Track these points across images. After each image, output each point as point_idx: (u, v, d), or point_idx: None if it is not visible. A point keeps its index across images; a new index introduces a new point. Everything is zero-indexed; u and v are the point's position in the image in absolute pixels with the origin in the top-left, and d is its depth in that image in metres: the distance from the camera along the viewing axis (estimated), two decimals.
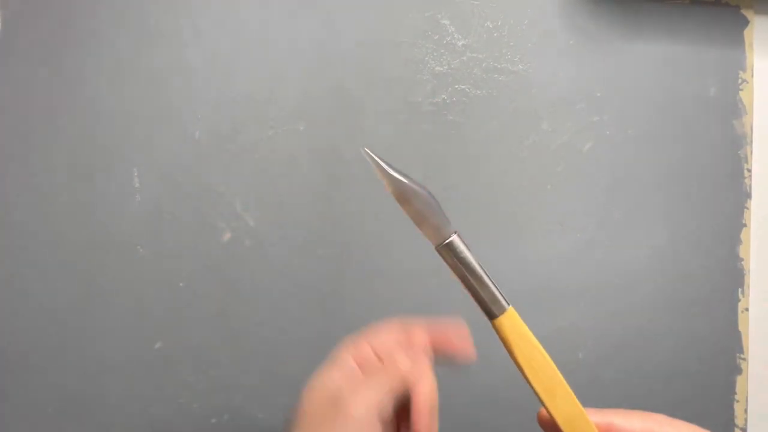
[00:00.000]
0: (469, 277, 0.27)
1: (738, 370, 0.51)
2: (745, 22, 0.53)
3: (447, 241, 0.27)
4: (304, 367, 0.49)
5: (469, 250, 0.27)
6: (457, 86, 0.51)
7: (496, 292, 0.27)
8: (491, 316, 0.27)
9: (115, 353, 0.48)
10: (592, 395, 0.50)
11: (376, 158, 0.28)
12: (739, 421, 0.51)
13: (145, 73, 0.50)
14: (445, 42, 0.51)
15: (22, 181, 0.49)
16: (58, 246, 0.49)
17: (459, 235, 0.27)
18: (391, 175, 0.28)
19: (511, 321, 0.27)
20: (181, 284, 0.49)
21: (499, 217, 0.51)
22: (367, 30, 0.51)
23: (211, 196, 0.49)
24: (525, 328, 0.28)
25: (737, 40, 0.53)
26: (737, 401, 0.51)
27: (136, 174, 0.49)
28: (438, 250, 0.27)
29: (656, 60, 0.52)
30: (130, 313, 0.49)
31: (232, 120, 0.50)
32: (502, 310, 0.27)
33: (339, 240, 0.50)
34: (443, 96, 0.51)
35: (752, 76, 0.53)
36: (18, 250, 0.49)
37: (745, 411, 0.51)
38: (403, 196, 0.28)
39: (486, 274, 0.27)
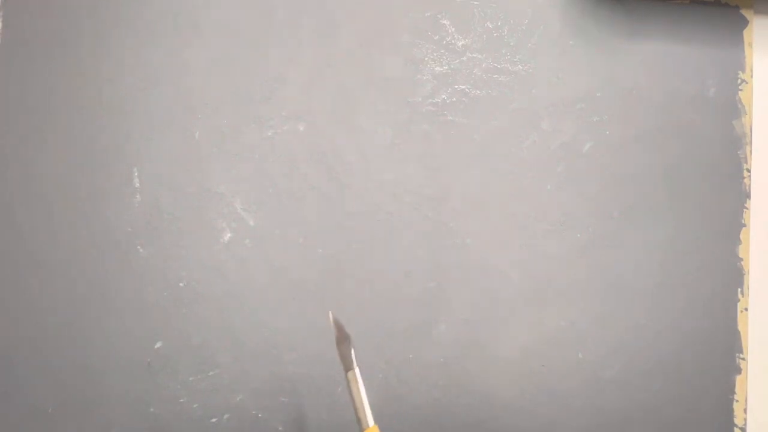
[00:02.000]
0: (355, 398, 0.41)
1: (737, 370, 0.51)
2: (745, 22, 0.53)
3: (350, 371, 0.42)
4: (304, 367, 0.49)
5: (362, 381, 0.41)
6: (457, 86, 0.51)
7: (368, 413, 0.41)
8: (360, 427, 0.41)
9: (115, 353, 0.48)
10: (592, 395, 0.50)
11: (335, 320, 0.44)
12: (738, 421, 0.51)
13: (145, 73, 0.50)
14: (445, 42, 0.52)
15: (21, 181, 0.49)
16: (58, 246, 0.49)
17: (357, 371, 0.42)
18: (340, 328, 0.43)
19: None
20: (181, 284, 0.49)
21: (499, 217, 0.51)
22: (367, 30, 0.51)
23: (211, 196, 0.49)
24: None
25: (737, 41, 0.53)
26: (736, 401, 0.51)
27: (136, 174, 0.49)
28: (346, 375, 0.42)
29: (656, 60, 0.52)
30: (130, 313, 0.49)
31: (232, 120, 0.50)
32: (367, 426, 0.40)
33: (339, 240, 0.50)
34: (443, 96, 0.51)
35: (752, 76, 0.53)
36: (18, 249, 0.49)
37: (745, 411, 0.51)
38: (339, 340, 0.43)
39: (365, 399, 0.41)
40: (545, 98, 0.52)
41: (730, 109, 0.53)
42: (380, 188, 0.50)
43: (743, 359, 0.51)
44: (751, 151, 0.53)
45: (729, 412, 0.51)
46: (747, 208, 0.52)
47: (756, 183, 0.53)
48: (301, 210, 0.50)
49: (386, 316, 0.50)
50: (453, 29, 0.52)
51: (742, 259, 0.52)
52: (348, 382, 0.41)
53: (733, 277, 0.52)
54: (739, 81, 0.53)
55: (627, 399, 0.50)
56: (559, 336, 0.50)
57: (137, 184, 0.49)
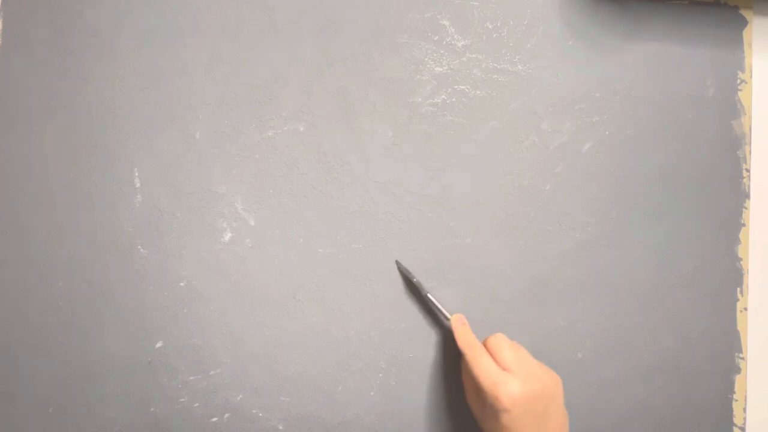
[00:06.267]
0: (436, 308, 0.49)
1: (737, 370, 0.51)
2: (744, 23, 0.53)
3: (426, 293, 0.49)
4: (304, 367, 0.49)
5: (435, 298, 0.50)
6: (457, 87, 0.51)
7: (445, 312, 0.49)
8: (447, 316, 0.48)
9: (115, 353, 0.49)
10: (592, 395, 0.50)
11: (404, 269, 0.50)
12: (737, 421, 0.51)
13: (145, 73, 0.50)
14: (444, 43, 0.52)
15: (22, 181, 0.49)
16: (59, 246, 0.49)
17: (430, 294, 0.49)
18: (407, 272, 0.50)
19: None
20: (181, 284, 0.49)
21: (499, 217, 0.51)
22: (367, 30, 0.51)
23: (211, 196, 0.49)
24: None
25: (736, 41, 0.53)
26: (736, 401, 0.51)
27: (137, 174, 0.49)
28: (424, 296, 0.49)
29: (655, 60, 0.53)
30: (130, 313, 0.49)
31: (233, 120, 0.50)
32: (449, 316, 0.48)
33: (339, 240, 0.50)
34: (443, 96, 0.51)
35: (751, 76, 0.53)
36: (19, 250, 0.49)
37: (744, 410, 0.51)
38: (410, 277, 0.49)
39: (439, 304, 0.49)
40: (545, 98, 0.52)
41: (730, 110, 0.53)
42: (380, 188, 0.50)
43: (742, 359, 0.51)
44: (750, 151, 0.53)
45: (728, 412, 0.51)
46: (746, 208, 0.52)
47: (755, 183, 0.53)
48: (301, 210, 0.50)
49: (386, 316, 0.50)
50: (453, 29, 0.52)
51: (741, 259, 0.52)
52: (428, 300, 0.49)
53: (733, 276, 0.52)
54: (738, 81, 0.53)
55: (627, 399, 0.51)
56: (559, 336, 0.51)
57: (138, 184, 0.49)
